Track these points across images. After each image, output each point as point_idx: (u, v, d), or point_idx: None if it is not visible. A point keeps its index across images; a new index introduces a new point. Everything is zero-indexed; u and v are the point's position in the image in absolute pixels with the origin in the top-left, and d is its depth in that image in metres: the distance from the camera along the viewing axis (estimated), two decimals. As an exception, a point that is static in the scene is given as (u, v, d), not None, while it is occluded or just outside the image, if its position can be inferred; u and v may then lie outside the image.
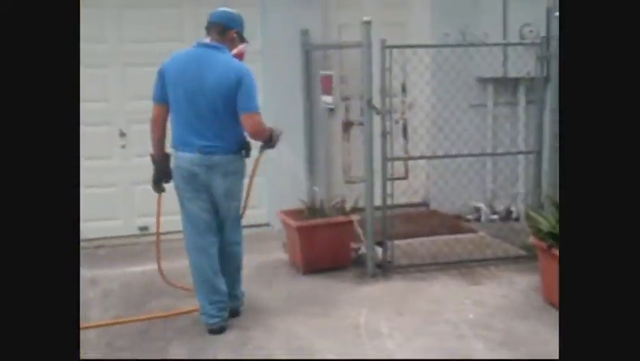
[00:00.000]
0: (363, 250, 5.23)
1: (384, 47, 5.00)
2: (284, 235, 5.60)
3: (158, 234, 4.50)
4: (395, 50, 5.08)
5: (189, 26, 5.91)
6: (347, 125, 6.32)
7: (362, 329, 4.16)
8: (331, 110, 6.15)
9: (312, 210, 5.39)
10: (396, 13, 6.52)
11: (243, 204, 4.27)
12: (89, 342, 4.03)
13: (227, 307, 4.13)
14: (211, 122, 3.85)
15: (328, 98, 5.88)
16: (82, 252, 5.58)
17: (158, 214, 4.41)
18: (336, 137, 6.32)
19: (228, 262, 4.20)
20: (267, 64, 6.23)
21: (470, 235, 5.66)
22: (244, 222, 6.16)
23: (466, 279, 4.97)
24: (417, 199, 6.41)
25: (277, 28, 6.13)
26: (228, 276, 4.20)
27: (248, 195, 4.37)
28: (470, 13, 6.07)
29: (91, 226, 5.70)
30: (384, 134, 5.07)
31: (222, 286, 4.10)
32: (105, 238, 5.98)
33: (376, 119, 5.06)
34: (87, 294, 4.78)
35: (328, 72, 5.93)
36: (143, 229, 6.06)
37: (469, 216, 6.42)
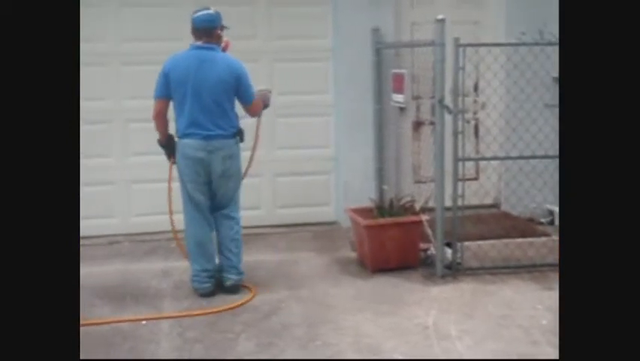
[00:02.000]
0: (432, 250, 5.16)
1: (458, 45, 4.92)
2: (352, 232, 5.60)
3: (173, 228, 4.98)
4: (469, 49, 4.99)
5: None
6: (417, 125, 6.28)
7: (431, 330, 4.11)
8: (402, 109, 6.10)
9: (381, 209, 5.37)
10: (470, 11, 6.41)
11: (243, 173, 4.87)
12: (162, 332, 4.13)
13: (215, 275, 4.72)
14: (212, 113, 4.49)
15: (399, 97, 5.83)
16: (155, 244, 5.78)
17: (170, 212, 4.92)
18: (407, 136, 6.28)
19: (226, 235, 4.71)
20: (337, 62, 6.24)
21: (543, 239, 5.49)
22: (310, 219, 6.32)
23: (539, 283, 4.84)
24: (488, 200, 6.29)
25: (348, 26, 6.12)
26: (226, 248, 4.71)
27: (250, 163, 5.01)
28: (548, 11, 5.89)
29: (165, 218, 5.84)
30: (455, 134, 4.99)
31: (215, 256, 4.72)
32: (180, 231, 6.09)
33: (448, 119, 4.99)
34: (160, 285, 4.91)
35: (400, 71, 5.88)
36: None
37: (543, 220, 6.24)
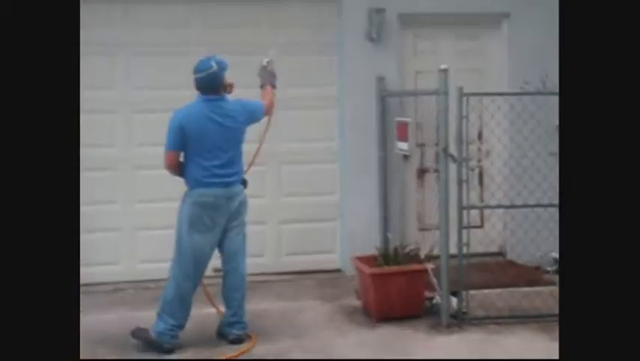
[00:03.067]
0: (437, 299, 5.12)
1: (462, 94, 4.98)
2: (356, 280, 5.57)
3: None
4: (472, 98, 5.05)
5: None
6: (422, 172, 6.31)
7: (436, 381, 4.05)
8: (406, 156, 6.14)
9: (386, 257, 5.35)
10: (473, 60, 6.51)
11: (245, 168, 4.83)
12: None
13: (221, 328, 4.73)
14: (229, 162, 4.56)
15: (404, 145, 5.87)
16: (160, 292, 5.71)
17: None
18: (411, 183, 6.30)
19: (237, 289, 4.67)
20: (343, 109, 6.31)
21: (550, 288, 5.45)
22: (315, 267, 6.30)
23: (547, 333, 4.77)
24: (493, 248, 6.27)
25: (353, 74, 6.21)
26: (237, 303, 4.66)
27: (255, 156, 5.06)
28: (550, 61, 5.97)
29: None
30: (460, 182, 5.01)
31: (189, 312, 4.61)
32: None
33: (452, 167, 5.01)
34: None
35: (404, 119, 5.94)
36: (218, 270, 6.14)
37: (549, 268, 6.19)
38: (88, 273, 6.02)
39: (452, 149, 5.00)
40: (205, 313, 4.96)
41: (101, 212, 6.06)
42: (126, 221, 6.13)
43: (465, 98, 4.97)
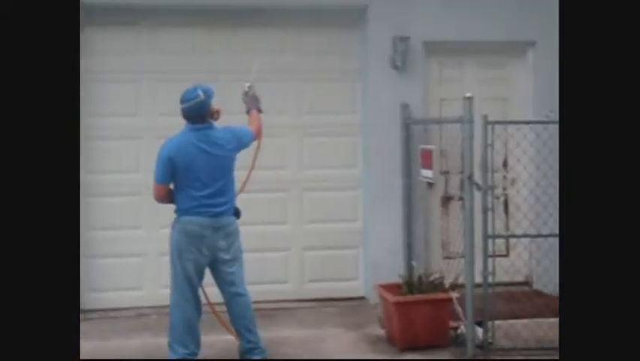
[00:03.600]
0: (462, 329, 5.05)
1: (487, 122, 4.96)
2: (380, 308, 5.52)
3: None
4: (497, 126, 5.02)
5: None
6: (446, 200, 6.27)
7: (462, 414, 3.98)
8: (430, 184, 6.10)
9: (410, 285, 5.30)
10: (498, 89, 6.49)
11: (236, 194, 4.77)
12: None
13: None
14: (218, 191, 4.49)
15: (428, 172, 5.85)
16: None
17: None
18: (435, 211, 6.26)
19: (242, 315, 4.62)
20: (366, 137, 6.31)
21: (577, 319, 5.35)
22: (338, 294, 6.26)
23: (574, 366, 4.68)
24: (519, 278, 6.18)
25: (378, 101, 6.23)
26: (245, 329, 4.61)
27: (245, 183, 4.97)
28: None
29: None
30: (485, 211, 4.96)
31: (200, 339, 4.57)
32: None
33: (477, 195, 4.97)
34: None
35: (429, 146, 5.92)
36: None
37: (576, 298, 6.09)
38: (111, 298, 6.09)
39: (477, 177, 4.97)
40: (227, 339, 4.93)
41: (125, 237, 6.10)
42: (150, 246, 6.15)
43: (490, 127, 4.94)
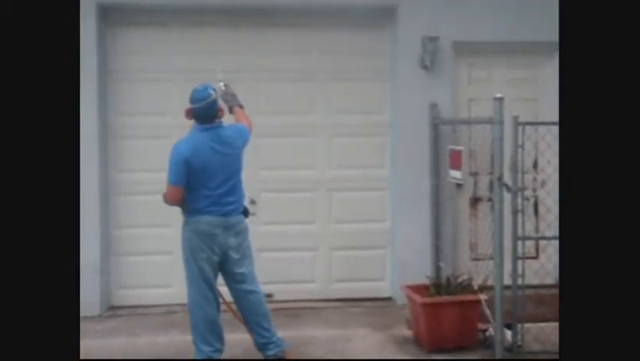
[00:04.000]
0: (490, 331, 5.00)
1: (517, 123, 4.91)
2: (407, 309, 5.50)
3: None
4: (528, 127, 4.97)
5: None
6: (475, 201, 6.22)
7: (491, 417, 3.94)
8: (459, 185, 6.06)
9: (438, 286, 5.27)
10: (528, 89, 6.42)
11: None
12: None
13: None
14: (229, 191, 4.52)
15: (457, 173, 5.81)
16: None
17: None
18: (464, 212, 6.21)
19: (255, 312, 4.63)
20: (395, 137, 6.29)
21: (608, 323, 5.27)
22: (365, 294, 6.25)
23: (605, 371, 4.61)
24: (549, 280, 6.08)
25: (406, 101, 6.20)
26: (257, 325, 4.62)
27: None
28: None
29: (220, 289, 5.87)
30: (515, 212, 4.92)
31: (223, 336, 4.60)
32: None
33: (507, 196, 4.92)
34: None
35: (458, 147, 5.88)
36: (269, 295, 6.15)
37: (607, 302, 6.00)
38: (140, 295, 6.15)
39: (507, 178, 4.92)
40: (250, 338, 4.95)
41: (154, 235, 6.16)
42: (178, 245, 6.16)
43: (521, 127, 4.89)
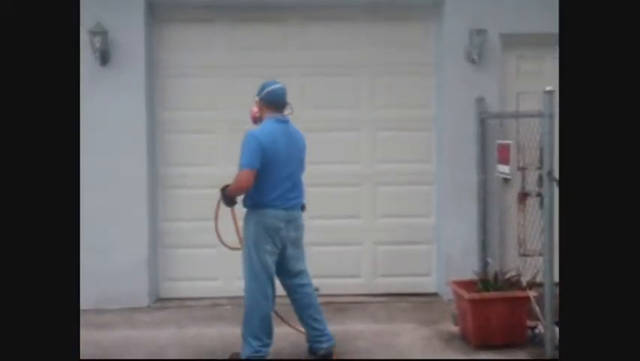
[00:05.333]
0: (540, 329, 4.93)
1: (568, 116, 4.80)
2: (453, 305, 5.45)
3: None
4: (579, 120, 4.86)
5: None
6: (523, 196, 6.10)
7: (541, 415, 3.89)
8: (506, 180, 5.97)
9: (486, 282, 5.21)
10: (578, 82, 6.27)
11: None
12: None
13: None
14: (294, 185, 4.60)
15: (504, 168, 5.72)
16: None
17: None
18: (511, 207, 6.12)
19: (308, 304, 4.70)
20: (440, 131, 6.23)
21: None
22: (410, 289, 6.21)
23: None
24: (599, 278, 5.98)
25: (452, 95, 6.13)
26: (310, 318, 4.69)
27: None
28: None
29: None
30: (565, 207, 4.82)
31: (273, 330, 4.64)
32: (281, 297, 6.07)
33: (556, 191, 4.83)
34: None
35: (506, 141, 5.79)
36: (316, 289, 6.15)
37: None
38: (187, 287, 6.23)
39: (556, 173, 4.83)
40: (296, 332, 4.98)
41: (201, 229, 6.20)
42: (225, 238, 6.24)
43: (572, 121, 4.79)
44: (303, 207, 4.72)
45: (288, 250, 4.61)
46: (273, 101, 4.59)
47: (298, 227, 4.65)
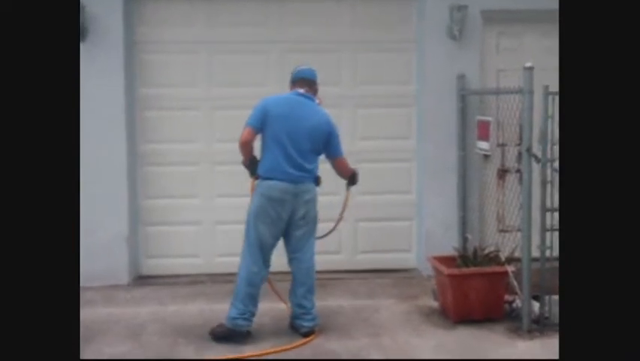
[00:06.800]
0: (517, 303, 5.00)
1: (548, 93, 4.83)
2: (433, 281, 5.50)
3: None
4: (558, 97, 4.88)
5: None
6: (503, 173, 6.14)
7: (518, 387, 3.96)
8: (486, 156, 6.01)
9: (465, 258, 5.26)
10: (557, 58, 6.29)
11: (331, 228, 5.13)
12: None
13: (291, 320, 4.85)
14: (302, 157, 4.63)
15: (484, 144, 5.75)
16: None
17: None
18: (491, 184, 6.16)
19: (302, 281, 4.76)
20: (421, 108, 6.24)
21: (637, 295, 5.23)
22: (390, 265, 6.26)
23: (634, 343, 4.58)
24: (577, 253, 6.06)
25: (433, 72, 6.13)
26: (301, 295, 4.74)
27: (333, 229, 5.16)
28: None
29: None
30: (544, 184, 4.87)
31: (258, 303, 4.71)
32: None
33: (535, 167, 4.88)
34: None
35: (485, 118, 5.82)
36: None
37: (635, 275, 5.94)
38: (168, 264, 6.23)
39: (536, 149, 4.87)
40: (280, 307, 5.01)
41: (182, 206, 6.21)
42: (206, 215, 6.25)
43: (551, 98, 4.82)
44: (316, 181, 4.77)
45: (294, 223, 4.66)
46: (295, 78, 4.82)
47: (308, 201, 4.67)
